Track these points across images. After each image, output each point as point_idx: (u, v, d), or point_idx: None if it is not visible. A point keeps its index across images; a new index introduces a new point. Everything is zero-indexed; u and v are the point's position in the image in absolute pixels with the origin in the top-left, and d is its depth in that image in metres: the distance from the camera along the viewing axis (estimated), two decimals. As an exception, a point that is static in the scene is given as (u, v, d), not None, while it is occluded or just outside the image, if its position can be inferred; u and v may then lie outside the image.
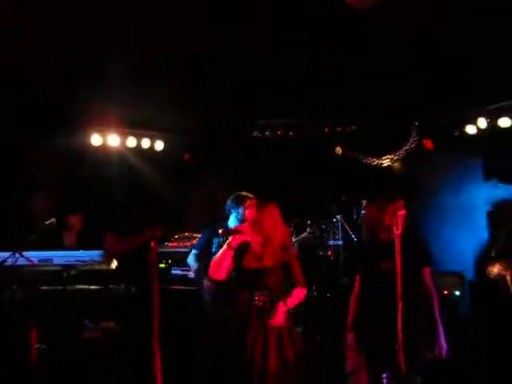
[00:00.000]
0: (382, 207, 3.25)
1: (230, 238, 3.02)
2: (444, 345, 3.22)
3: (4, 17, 3.74)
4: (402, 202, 3.22)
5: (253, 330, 2.98)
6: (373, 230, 3.34)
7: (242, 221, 4.11)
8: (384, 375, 3.17)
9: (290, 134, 6.15)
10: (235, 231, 3.06)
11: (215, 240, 4.24)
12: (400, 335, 2.73)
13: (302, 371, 3.02)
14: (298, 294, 3.15)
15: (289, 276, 3.13)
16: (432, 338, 3.23)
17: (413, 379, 3.08)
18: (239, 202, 4.17)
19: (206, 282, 4.24)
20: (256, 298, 3.03)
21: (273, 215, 3.14)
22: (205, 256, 4.23)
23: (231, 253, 3.03)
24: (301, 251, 4.77)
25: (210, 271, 3.09)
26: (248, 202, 3.24)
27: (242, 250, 3.11)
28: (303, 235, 4.43)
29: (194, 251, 4.47)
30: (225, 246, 3.04)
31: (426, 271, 3.29)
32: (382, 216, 3.21)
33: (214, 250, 4.20)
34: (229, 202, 4.26)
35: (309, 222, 5.17)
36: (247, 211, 3.27)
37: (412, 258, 3.09)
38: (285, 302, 3.06)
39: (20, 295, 4.07)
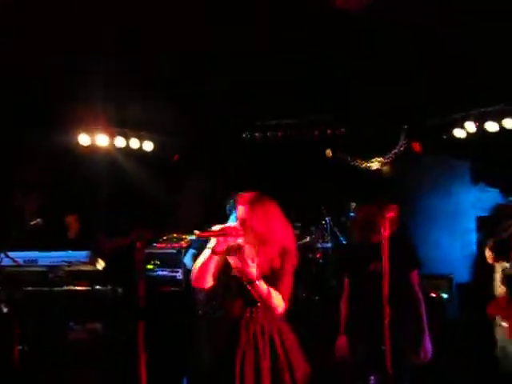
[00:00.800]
0: (374, 210, 3.25)
1: (214, 241, 2.49)
2: (429, 349, 3.22)
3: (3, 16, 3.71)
4: (394, 205, 3.24)
5: (241, 349, 2.47)
6: (364, 232, 3.33)
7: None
8: (371, 378, 3.17)
9: (280, 135, 6.15)
10: (218, 232, 2.48)
11: (213, 240, 4.19)
12: (387, 338, 2.72)
13: None
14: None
15: (275, 285, 2.52)
16: (418, 342, 3.23)
17: (399, 383, 3.08)
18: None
19: None
20: (248, 314, 2.51)
21: (267, 213, 2.56)
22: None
23: (215, 258, 2.51)
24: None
25: (193, 278, 2.58)
26: (239, 197, 2.65)
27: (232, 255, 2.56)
28: (306, 240, 4.23)
29: (191, 251, 4.39)
30: (208, 250, 2.52)
31: (414, 274, 3.30)
32: (374, 219, 3.21)
33: None
34: (228, 203, 4.15)
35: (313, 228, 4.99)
36: (238, 208, 2.62)
37: (400, 260, 3.08)
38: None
39: (4, 296, 4.01)
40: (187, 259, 4.44)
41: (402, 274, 3.19)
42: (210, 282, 2.56)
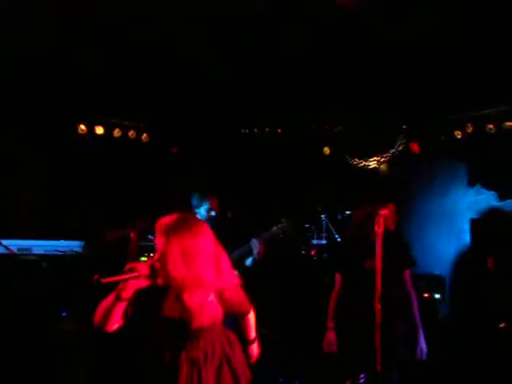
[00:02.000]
0: (372, 209, 3.25)
1: (120, 281, 2.05)
2: (424, 346, 3.24)
3: None
4: (391, 204, 3.26)
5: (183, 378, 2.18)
6: (360, 231, 3.32)
7: (205, 216, 3.99)
8: (361, 376, 3.17)
9: (278, 131, 6.14)
10: (128, 276, 2.02)
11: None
12: (378, 336, 2.73)
13: None
14: (252, 323, 2.51)
15: (232, 310, 2.33)
16: (411, 340, 3.25)
17: (389, 381, 3.09)
18: (204, 196, 4.07)
19: None
20: (188, 346, 2.20)
21: (184, 247, 2.07)
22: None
23: (123, 304, 2.08)
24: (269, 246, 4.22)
25: (95, 319, 2.13)
26: (157, 224, 2.15)
27: (159, 293, 2.16)
28: (273, 229, 3.99)
29: None
30: (112, 294, 2.09)
31: (407, 273, 3.32)
32: (373, 217, 3.20)
33: None
34: (194, 198, 4.10)
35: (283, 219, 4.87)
36: (156, 237, 2.15)
37: (395, 258, 3.12)
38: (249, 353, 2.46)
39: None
40: None
41: (397, 272, 3.22)
42: (115, 326, 2.13)
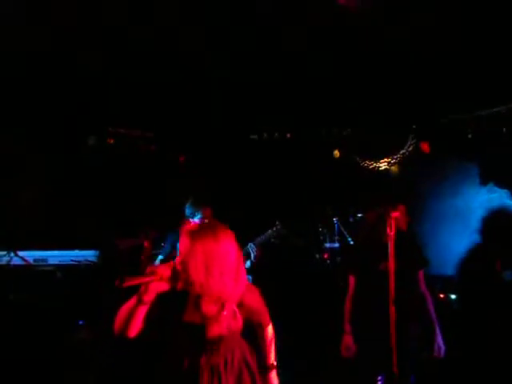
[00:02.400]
0: (385, 211, 3.26)
1: (141, 285, 2.04)
2: (442, 344, 3.23)
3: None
4: (401, 206, 3.26)
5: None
6: (373, 233, 3.30)
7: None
8: (379, 378, 3.16)
9: (288, 136, 6.16)
10: (150, 278, 2.02)
11: (178, 245, 4.09)
12: (393, 337, 2.72)
13: None
14: (271, 339, 2.42)
15: (251, 317, 2.31)
16: (427, 339, 3.24)
17: (405, 382, 3.07)
18: (197, 205, 4.02)
19: None
20: (208, 352, 2.18)
21: (206, 253, 2.08)
22: (171, 261, 4.12)
23: (144, 308, 2.07)
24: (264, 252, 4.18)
25: (116, 326, 2.12)
26: (184, 227, 2.26)
27: (180, 298, 2.15)
28: (267, 233, 3.92)
29: (159, 257, 4.20)
30: (134, 298, 2.07)
31: (421, 274, 3.31)
32: (385, 219, 3.21)
33: (178, 255, 4.08)
34: (187, 207, 4.05)
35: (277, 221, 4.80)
36: (180, 240, 2.17)
37: (409, 259, 3.12)
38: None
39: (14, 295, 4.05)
40: None
41: (411, 273, 3.21)
42: (136, 331, 2.11)
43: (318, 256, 5.58)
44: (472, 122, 5.54)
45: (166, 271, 2.05)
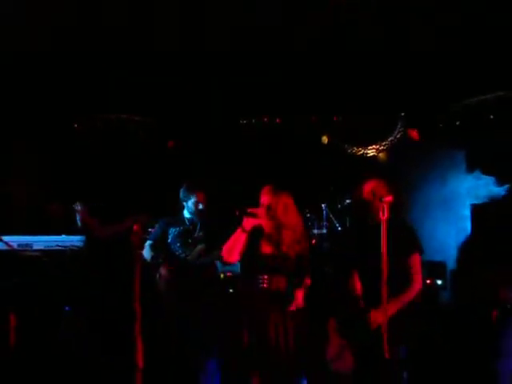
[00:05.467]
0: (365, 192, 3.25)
1: (243, 221, 3.03)
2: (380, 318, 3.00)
3: None
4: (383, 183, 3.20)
5: (273, 317, 3.01)
6: (361, 214, 3.27)
7: (193, 210, 4.03)
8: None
9: (277, 121, 6.12)
10: (250, 213, 3.03)
11: (171, 230, 4.10)
12: (384, 322, 2.73)
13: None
14: (307, 285, 3.21)
15: (300, 268, 3.15)
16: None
17: (393, 367, 3.06)
18: (191, 189, 4.07)
19: (162, 271, 4.04)
20: (274, 282, 3.06)
21: (286, 203, 3.14)
22: (159, 246, 4.09)
23: (244, 235, 3.05)
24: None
25: (223, 254, 3.11)
26: (264, 188, 3.13)
27: (256, 234, 3.11)
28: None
29: (148, 242, 4.17)
30: (238, 229, 3.05)
31: (415, 258, 3.16)
32: (368, 201, 3.17)
33: (169, 240, 4.08)
34: (181, 192, 4.10)
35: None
36: (262, 197, 3.13)
37: (399, 244, 3.00)
38: (300, 286, 3.15)
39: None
40: (145, 251, 4.11)
41: (402, 257, 3.10)
42: (237, 257, 3.10)
43: None
44: (460, 109, 5.57)
45: (260, 211, 3.06)
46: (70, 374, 3.88)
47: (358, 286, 3.22)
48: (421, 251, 3.18)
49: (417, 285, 3.11)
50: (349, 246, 3.47)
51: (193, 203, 4.04)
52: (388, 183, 3.23)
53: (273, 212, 3.08)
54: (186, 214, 4.12)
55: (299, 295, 3.14)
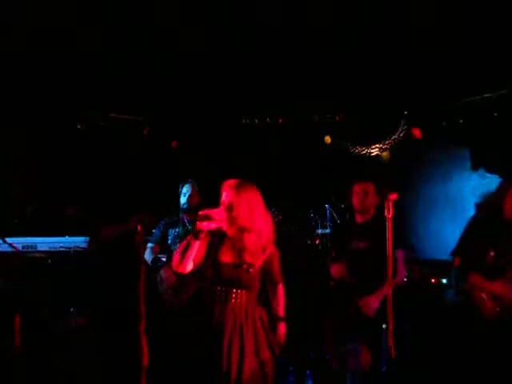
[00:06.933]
0: (350, 190, 3.45)
1: (196, 226, 2.53)
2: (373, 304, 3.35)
3: None
4: (370, 185, 3.38)
5: (228, 331, 2.60)
6: (351, 212, 3.63)
7: (186, 204, 4.08)
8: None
9: (280, 121, 6.11)
10: (203, 216, 2.51)
11: (170, 231, 4.15)
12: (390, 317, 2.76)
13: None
14: (282, 294, 2.88)
15: (269, 276, 2.80)
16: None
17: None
18: (183, 184, 4.15)
19: (163, 273, 4.05)
20: (233, 295, 2.63)
21: (251, 201, 2.63)
22: (161, 248, 4.15)
23: (197, 243, 2.56)
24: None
25: (173, 263, 2.63)
26: (224, 183, 2.69)
27: (217, 240, 2.69)
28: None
29: (149, 244, 4.20)
30: (189, 236, 2.59)
31: (399, 253, 3.49)
32: (352, 198, 3.43)
33: (169, 241, 4.12)
34: (182, 185, 4.19)
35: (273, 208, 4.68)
36: (222, 193, 2.65)
37: (381, 239, 3.18)
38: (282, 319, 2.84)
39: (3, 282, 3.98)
40: (146, 254, 4.13)
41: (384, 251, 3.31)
42: (190, 267, 2.60)
43: (309, 242, 5.58)
44: (463, 107, 5.55)
45: (216, 214, 2.54)
46: (75, 375, 3.88)
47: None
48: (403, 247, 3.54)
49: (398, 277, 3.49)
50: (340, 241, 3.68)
51: (186, 197, 4.09)
52: (376, 185, 3.47)
53: (234, 213, 2.59)
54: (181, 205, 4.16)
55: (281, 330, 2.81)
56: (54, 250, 4.20)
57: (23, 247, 4.18)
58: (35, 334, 3.96)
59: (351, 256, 3.52)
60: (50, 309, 4.08)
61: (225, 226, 2.60)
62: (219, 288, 2.64)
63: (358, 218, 3.67)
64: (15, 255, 4.07)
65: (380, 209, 3.54)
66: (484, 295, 3.30)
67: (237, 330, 2.59)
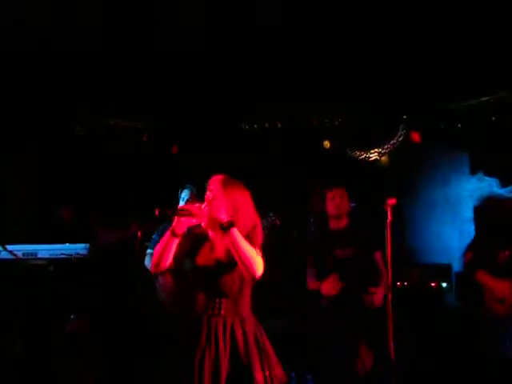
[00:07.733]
0: (321, 196, 3.45)
1: (175, 221, 2.32)
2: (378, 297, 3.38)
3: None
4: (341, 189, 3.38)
5: (201, 347, 2.28)
6: (321, 219, 3.60)
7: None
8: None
9: (278, 125, 6.12)
10: (183, 212, 2.30)
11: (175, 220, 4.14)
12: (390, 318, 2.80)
13: None
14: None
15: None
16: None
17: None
18: (183, 188, 4.14)
19: (160, 280, 3.97)
20: (210, 310, 2.34)
21: (236, 199, 2.39)
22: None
23: (175, 240, 2.33)
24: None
25: (152, 263, 2.40)
26: (211, 178, 2.48)
27: (197, 240, 2.44)
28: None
29: (149, 251, 4.10)
30: (167, 232, 2.35)
31: (378, 255, 3.46)
32: (324, 205, 3.40)
33: None
34: (182, 189, 4.17)
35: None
36: (208, 188, 2.43)
37: (363, 244, 3.36)
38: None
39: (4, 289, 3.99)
40: (146, 260, 4.01)
41: (367, 256, 3.42)
42: (168, 263, 2.36)
43: (295, 233, 5.57)
44: (462, 111, 5.57)
45: (196, 209, 2.33)
46: (76, 377, 3.89)
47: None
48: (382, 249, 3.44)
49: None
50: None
51: (185, 200, 4.07)
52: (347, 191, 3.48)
53: (217, 209, 2.31)
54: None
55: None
56: (55, 257, 4.19)
57: (24, 254, 4.17)
58: (36, 341, 3.96)
59: (336, 264, 3.44)
60: (51, 316, 4.08)
61: (205, 223, 2.36)
62: (194, 294, 2.38)
63: (333, 224, 3.57)
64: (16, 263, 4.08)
65: (353, 214, 3.60)
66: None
67: (211, 345, 2.27)
